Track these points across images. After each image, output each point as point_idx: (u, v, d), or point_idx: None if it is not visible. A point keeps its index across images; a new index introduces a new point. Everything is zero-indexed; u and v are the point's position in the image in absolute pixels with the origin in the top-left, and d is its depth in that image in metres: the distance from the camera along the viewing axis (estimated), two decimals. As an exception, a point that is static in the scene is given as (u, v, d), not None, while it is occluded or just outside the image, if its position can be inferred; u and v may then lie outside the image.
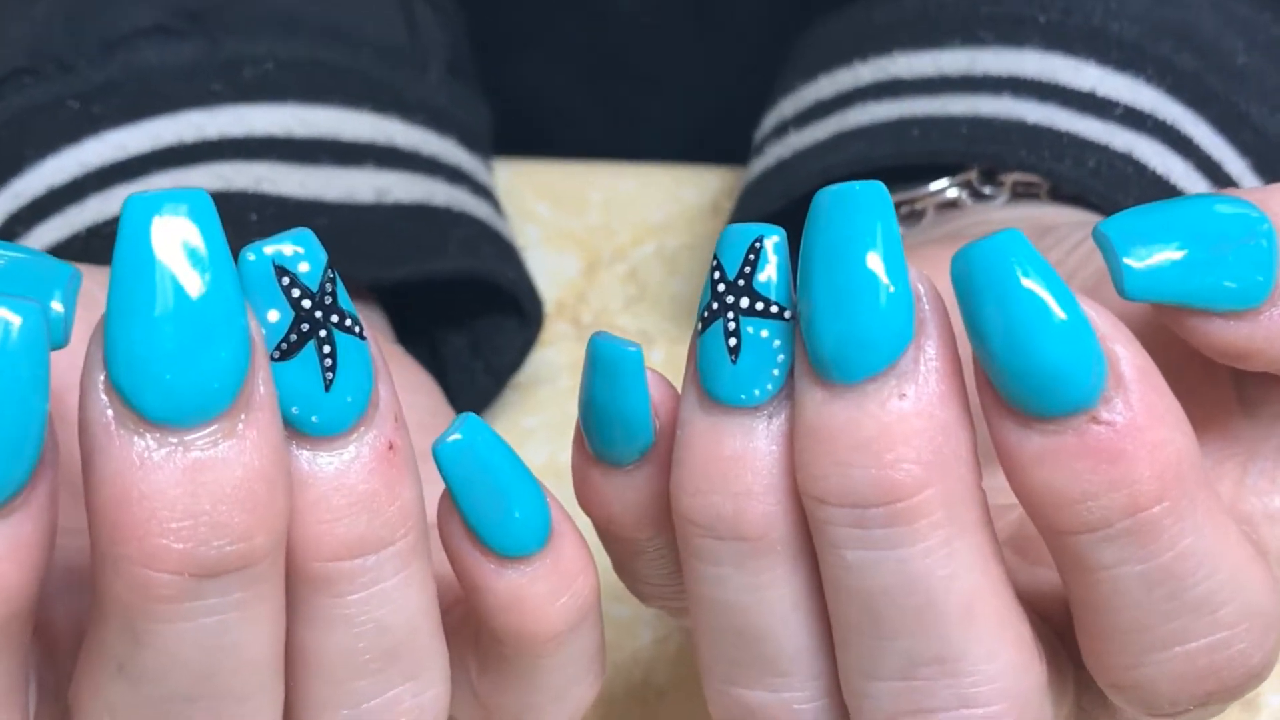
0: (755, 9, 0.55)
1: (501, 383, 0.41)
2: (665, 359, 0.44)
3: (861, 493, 0.22)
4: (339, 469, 0.22)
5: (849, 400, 0.22)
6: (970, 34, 0.41)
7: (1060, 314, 0.21)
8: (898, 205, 0.39)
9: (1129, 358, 0.22)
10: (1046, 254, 0.32)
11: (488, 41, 0.55)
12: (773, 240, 0.23)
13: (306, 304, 0.22)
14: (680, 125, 0.57)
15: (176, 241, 0.20)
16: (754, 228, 0.23)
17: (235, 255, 0.35)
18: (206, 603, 0.21)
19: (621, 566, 0.27)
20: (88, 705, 0.22)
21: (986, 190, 0.38)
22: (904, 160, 0.38)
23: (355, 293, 0.40)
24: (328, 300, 0.22)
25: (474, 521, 0.24)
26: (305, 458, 0.22)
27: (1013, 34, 0.40)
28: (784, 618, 0.24)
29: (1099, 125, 0.38)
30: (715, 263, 0.23)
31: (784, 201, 0.39)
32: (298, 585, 0.23)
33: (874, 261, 0.22)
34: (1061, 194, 0.38)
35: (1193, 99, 0.40)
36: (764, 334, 0.23)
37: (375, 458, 0.22)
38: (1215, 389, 0.27)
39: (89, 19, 0.40)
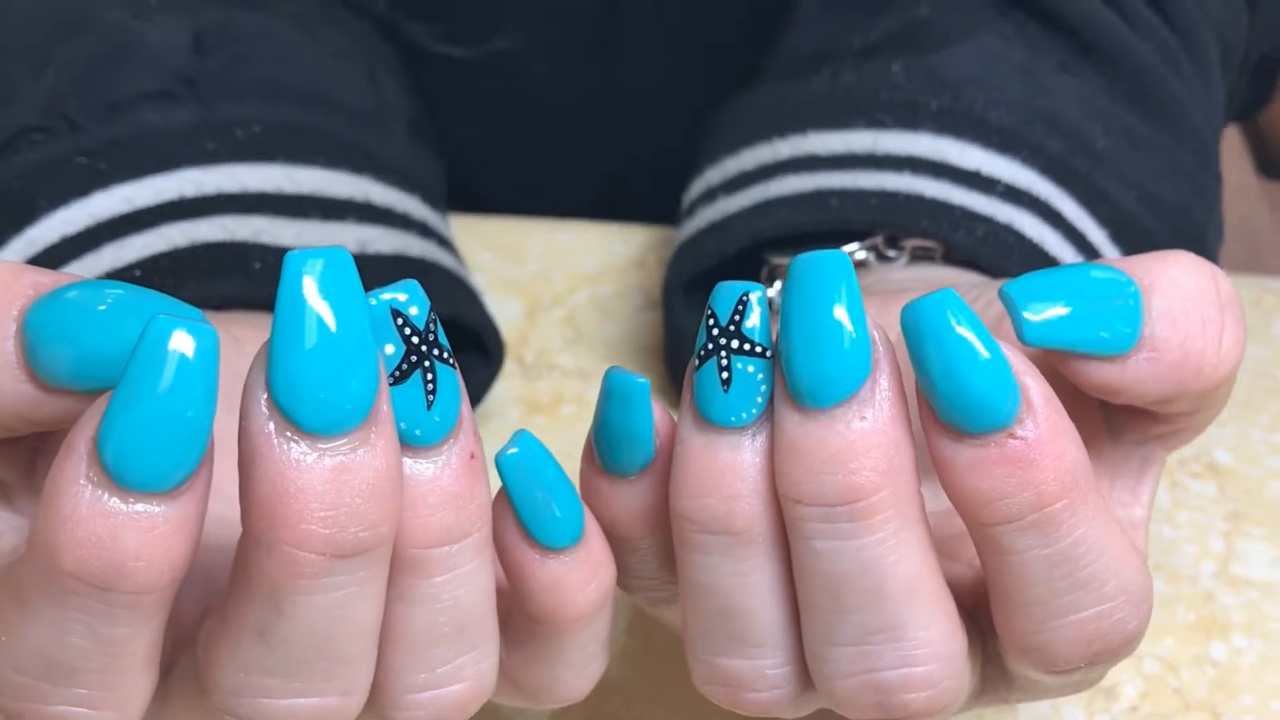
0: (659, 83, 0.61)
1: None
2: (602, 395, 0.50)
3: (831, 494, 0.28)
4: (435, 473, 0.27)
5: (820, 422, 0.28)
6: (872, 117, 0.47)
7: (985, 354, 0.27)
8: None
9: (1036, 388, 0.28)
10: None
11: (437, 111, 0.60)
12: (756, 295, 0.29)
13: (415, 340, 0.27)
14: (585, 186, 0.63)
15: (325, 288, 0.25)
16: (740, 285, 0.29)
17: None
18: (337, 579, 0.26)
19: (619, 561, 0.33)
20: (224, 663, 0.27)
21: (890, 253, 0.45)
22: (823, 226, 0.44)
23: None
24: (431, 337, 0.27)
25: (526, 519, 0.29)
26: (408, 464, 0.27)
27: (909, 118, 0.47)
28: (761, 598, 0.30)
29: (984, 200, 0.45)
30: (709, 311, 0.29)
31: (718, 259, 0.45)
32: (395, 568, 0.28)
33: (840, 313, 0.28)
34: (953, 258, 0.44)
35: (1060, 178, 0.47)
36: (750, 369, 0.29)
37: (461, 464, 0.27)
38: (1088, 418, 0.34)
39: (96, 83, 0.44)
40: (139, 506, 0.25)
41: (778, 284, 0.46)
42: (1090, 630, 0.29)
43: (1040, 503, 0.28)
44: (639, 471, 0.30)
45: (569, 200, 0.61)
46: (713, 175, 0.49)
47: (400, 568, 0.27)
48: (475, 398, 0.46)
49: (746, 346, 0.29)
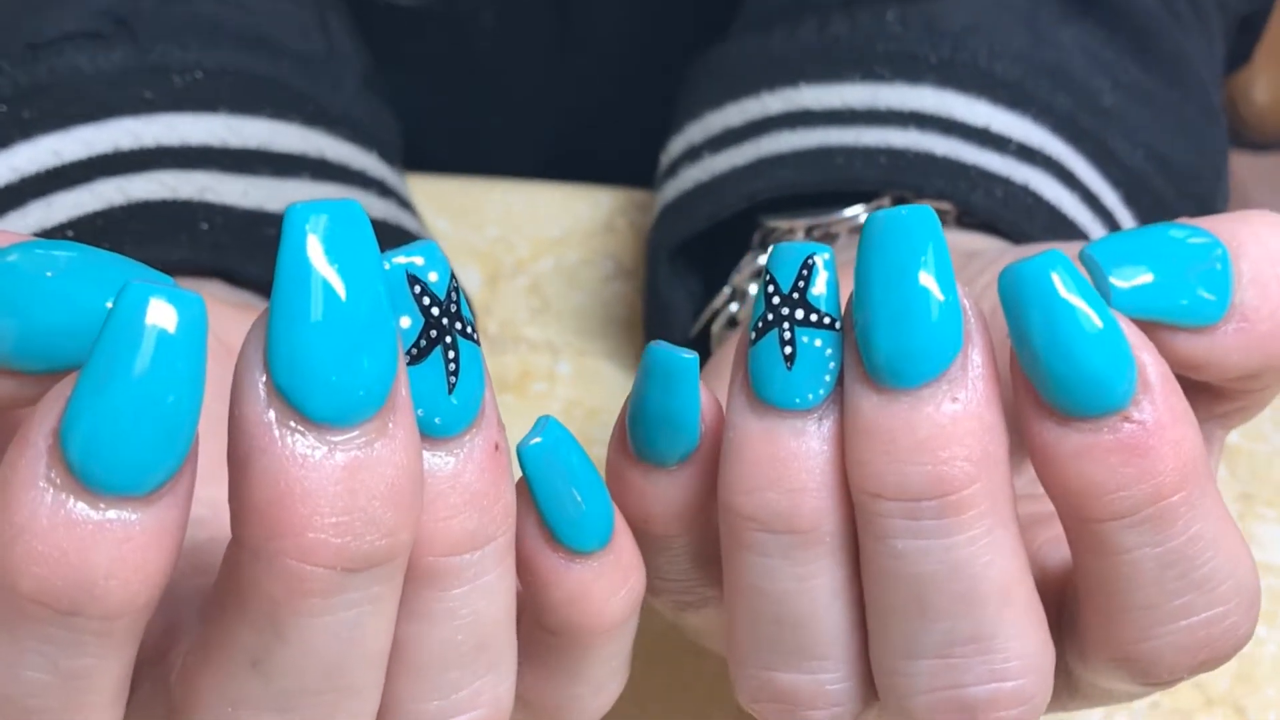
0: (615, 33, 0.57)
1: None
2: (574, 371, 0.46)
3: (917, 487, 0.24)
4: (456, 468, 0.23)
5: (905, 404, 0.24)
6: (869, 69, 0.44)
7: (1099, 324, 0.24)
8: (812, 229, 0.42)
9: (1153, 364, 0.24)
10: (977, 277, 0.35)
11: (384, 67, 0.56)
12: (823, 257, 0.25)
13: (435, 311, 0.23)
14: (535, 145, 0.58)
15: (338, 249, 0.21)
16: (805, 246, 0.25)
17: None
18: (348, 596, 0.22)
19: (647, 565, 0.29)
20: (208, 698, 0.23)
21: (897, 216, 0.41)
22: (829, 187, 0.41)
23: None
24: (453, 308, 0.23)
25: (550, 518, 0.25)
26: (426, 457, 0.23)
27: (909, 70, 0.43)
28: (825, 605, 0.26)
29: (998, 159, 0.42)
30: (769, 276, 0.25)
31: (709, 222, 0.41)
32: (409, 580, 0.24)
33: (927, 279, 0.24)
34: (966, 221, 0.41)
35: (1071, 136, 0.43)
36: (818, 343, 0.25)
37: (485, 457, 0.23)
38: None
39: (11, 23, 0.40)
40: (111, 514, 0.21)
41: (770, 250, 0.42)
42: (1201, 637, 0.26)
43: (1158, 495, 0.24)
44: (680, 461, 0.26)
45: (518, 161, 0.57)
46: (695, 132, 0.45)
47: (416, 579, 0.24)
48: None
49: (813, 317, 0.25)
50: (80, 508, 0.20)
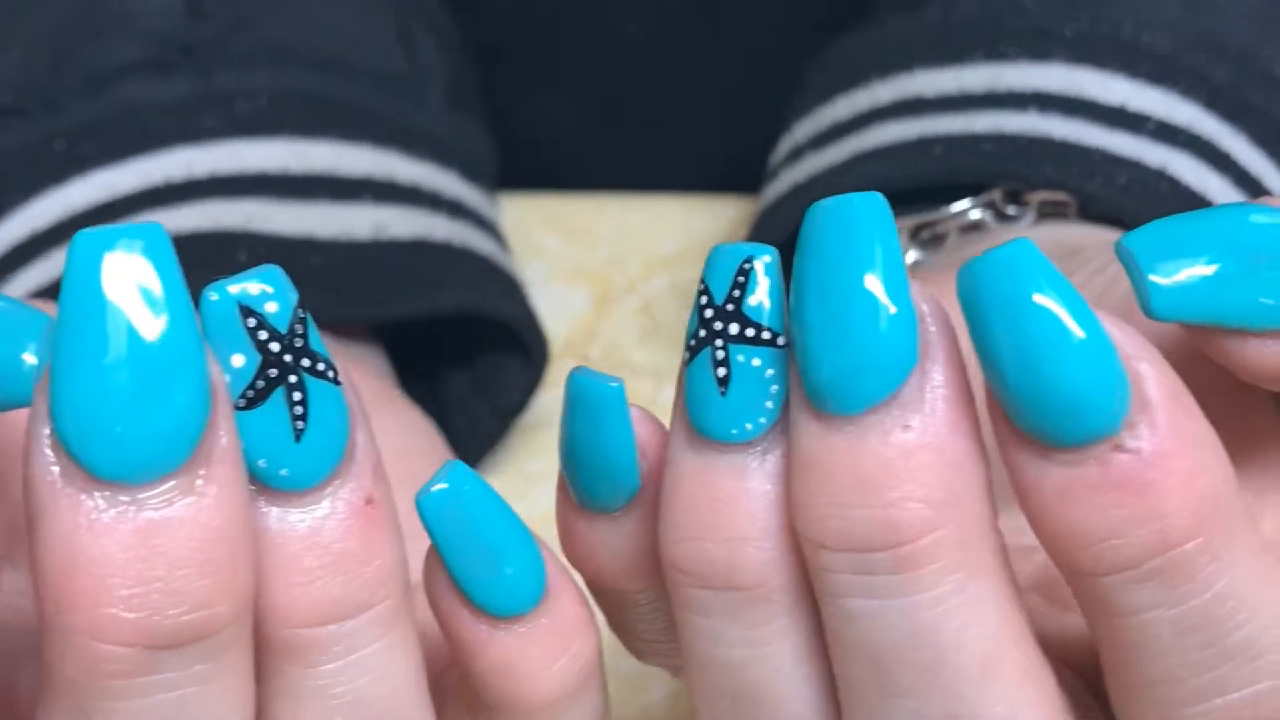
0: (767, 34, 0.53)
1: (506, 425, 0.39)
2: (679, 397, 0.42)
3: (863, 536, 0.20)
4: (311, 527, 0.20)
5: (848, 434, 0.20)
6: (993, 48, 0.39)
7: (1077, 331, 0.19)
8: (918, 228, 0.37)
9: (1155, 378, 0.19)
10: (1070, 276, 0.30)
11: (497, 73, 0.54)
12: (764, 260, 0.21)
13: (275, 347, 0.20)
14: (691, 156, 0.55)
15: (128, 281, 0.18)
16: (743, 247, 0.21)
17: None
18: (164, 677, 0.19)
19: (614, 621, 0.25)
20: None
21: (1011, 211, 0.36)
22: (922, 181, 0.36)
23: (353, 333, 0.38)
24: (298, 343, 0.20)
25: (461, 578, 0.22)
26: (275, 515, 0.20)
27: (1038, 47, 0.39)
28: (786, 675, 0.22)
29: (1130, 141, 0.36)
30: (703, 286, 0.21)
31: (795, 227, 0.37)
32: (267, 654, 0.21)
33: (872, 281, 0.20)
34: (1091, 213, 0.36)
35: (1230, 112, 0.38)
36: (755, 362, 0.21)
37: (351, 514, 0.20)
38: (1256, 416, 0.25)
39: (75, 54, 0.39)
40: None
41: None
42: (1243, 718, 0.20)
43: (1164, 543, 0.19)
44: (624, 505, 0.23)
45: (663, 178, 0.53)
46: (801, 130, 0.41)
47: (275, 654, 0.21)
48: (516, 406, 0.39)
49: (750, 332, 0.21)
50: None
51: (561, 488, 0.23)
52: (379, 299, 0.36)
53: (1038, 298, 0.19)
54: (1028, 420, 0.19)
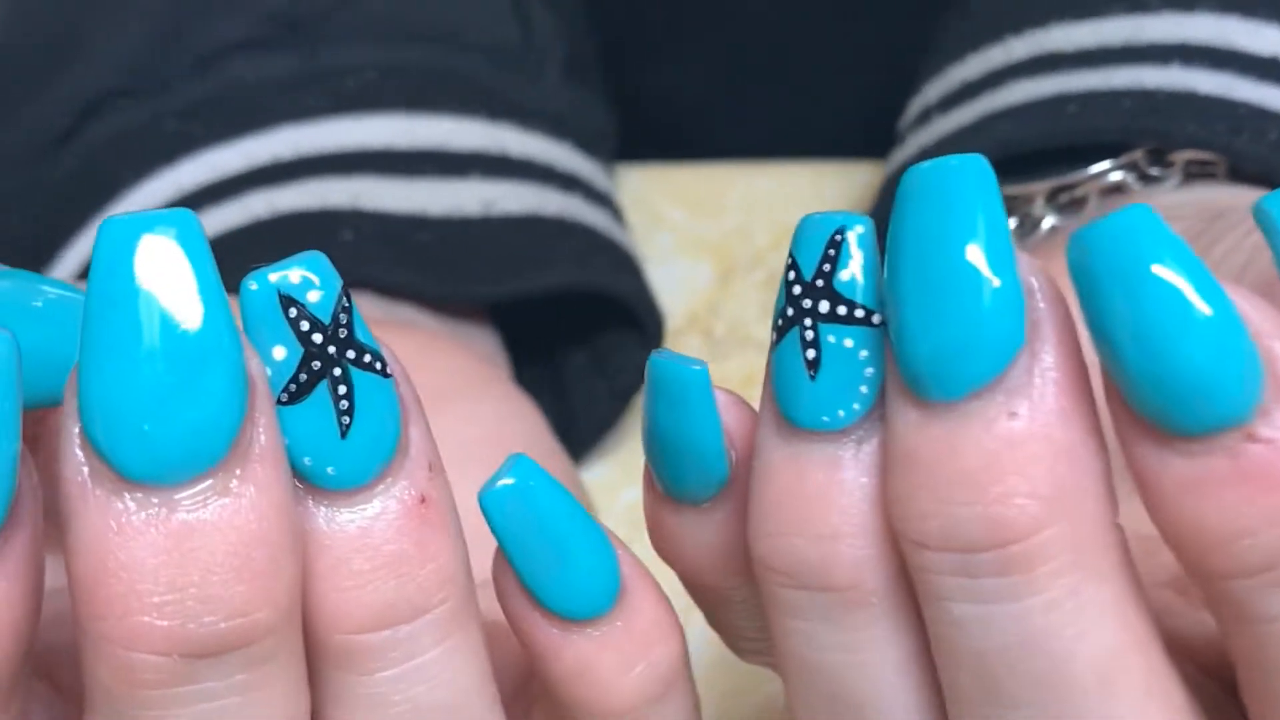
0: None
1: (623, 406, 0.38)
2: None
3: (966, 535, 0.18)
4: (361, 527, 0.19)
5: (948, 422, 0.18)
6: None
7: (1201, 306, 0.17)
8: (1055, 191, 0.35)
9: None
10: (1215, 243, 0.27)
11: (624, 45, 0.52)
12: (856, 231, 0.19)
13: (317, 338, 0.19)
14: (824, 121, 0.53)
15: (157, 270, 0.17)
16: (835, 217, 0.19)
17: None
18: (204, 686, 0.18)
19: (711, 618, 0.24)
20: None
21: (1154, 172, 0.34)
22: (1056, 141, 0.34)
23: (463, 311, 0.37)
24: (342, 334, 0.19)
25: (529, 579, 0.21)
26: (323, 515, 0.19)
27: None
28: (888, 684, 0.20)
29: (1283, 93, 0.34)
30: (790, 260, 0.20)
31: None
32: (320, 660, 0.20)
33: (974, 253, 0.18)
34: (1243, 173, 0.33)
35: None
36: (848, 343, 0.19)
37: (404, 513, 0.19)
38: None
39: (183, 34, 0.38)
40: None
41: (1011, 221, 0.36)
42: None
43: None
44: (712, 497, 0.21)
45: (796, 145, 0.51)
46: (931, 91, 0.39)
47: (327, 659, 0.20)
48: (634, 385, 0.38)
49: (841, 310, 0.19)
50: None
51: (648, 479, 0.22)
52: (486, 277, 0.35)
53: (1156, 269, 0.17)
54: (1147, 406, 0.17)
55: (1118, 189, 0.34)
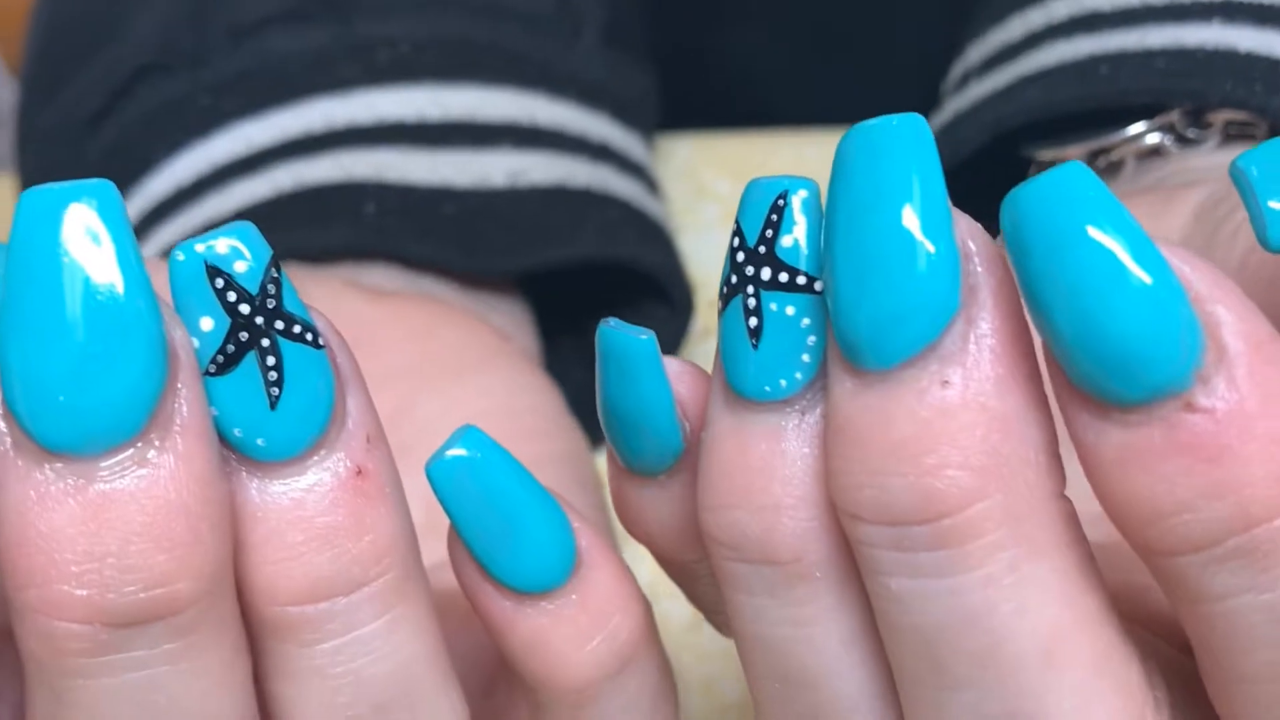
0: None
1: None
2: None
3: (900, 507, 0.17)
4: (294, 499, 0.19)
5: (882, 391, 0.18)
6: None
7: (1136, 269, 0.16)
8: (1093, 155, 0.34)
9: (1234, 323, 0.16)
10: (1229, 216, 0.26)
11: (700, 14, 0.52)
12: (800, 196, 0.19)
13: (245, 309, 0.19)
14: (886, 91, 0.52)
15: (75, 242, 0.17)
16: (779, 181, 0.19)
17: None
18: (130, 655, 0.18)
19: (685, 592, 0.23)
20: None
21: (1191, 134, 0.33)
22: (1088, 104, 0.33)
23: (489, 283, 0.37)
24: (270, 304, 0.19)
25: (480, 552, 0.21)
26: (255, 487, 0.19)
27: None
28: (835, 659, 0.19)
29: (1331, 50, 0.32)
30: (736, 226, 0.19)
31: (950, 163, 0.34)
32: (261, 633, 0.20)
33: (908, 216, 0.17)
34: (1285, 134, 0.32)
35: None
36: (789, 310, 0.19)
37: (338, 485, 0.19)
38: None
39: (218, 9, 0.39)
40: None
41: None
42: None
43: (1246, 518, 0.16)
44: (669, 468, 0.21)
45: (855, 108, 0.51)
46: (974, 54, 0.38)
47: (267, 631, 0.20)
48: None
49: (783, 276, 0.19)
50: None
51: (610, 453, 0.22)
52: (508, 249, 0.35)
53: (1090, 230, 0.16)
54: (1083, 375, 0.17)
55: (1155, 152, 0.33)
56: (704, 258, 0.42)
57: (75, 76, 0.40)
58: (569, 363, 0.38)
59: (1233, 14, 0.33)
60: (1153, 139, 0.33)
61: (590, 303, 0.39)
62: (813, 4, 0.53)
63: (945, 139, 0.35)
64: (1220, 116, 0.32)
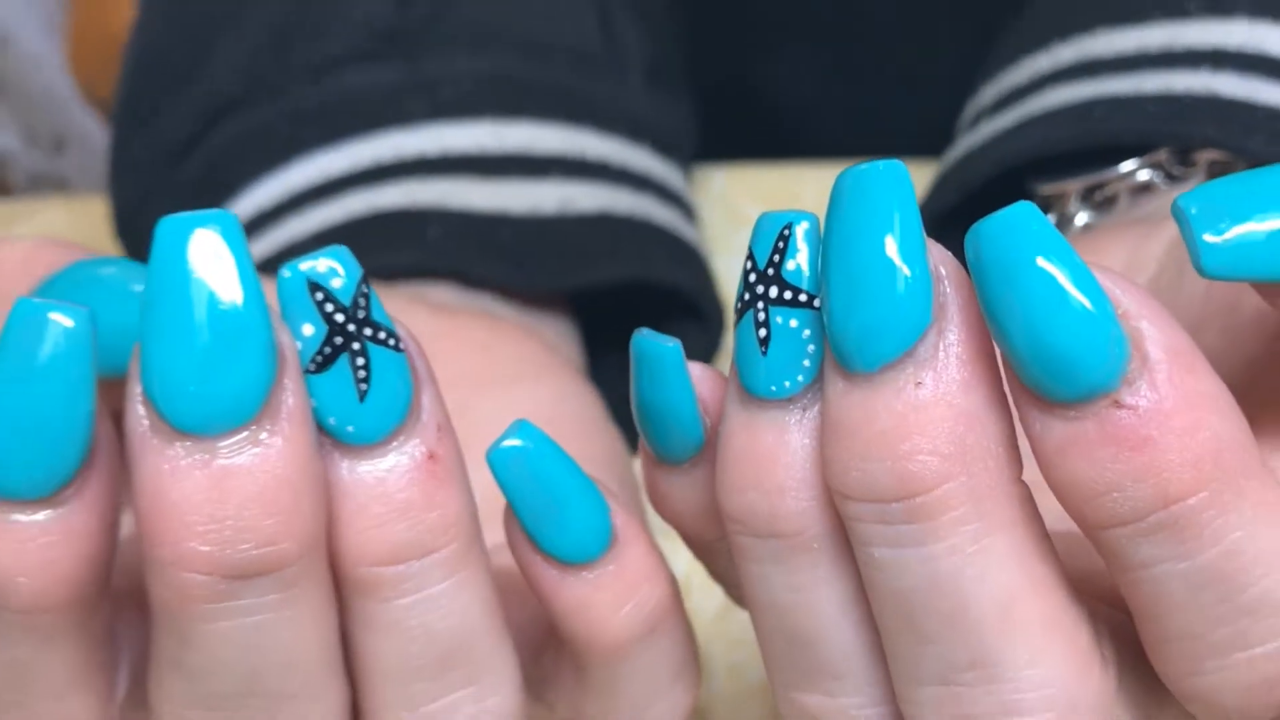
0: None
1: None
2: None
3: (883, 487, 0.21)
4: (377, 477, 0.23)
5: (866, 390, 0.21)
6: (1176, 6, 0.38)
7: (1073, 291, 0.20)
8: (1089, 190, 0.37)
9: (1156, 336, 0.20)
10: None
11: (744, 43, 0.55)
12: (802, 227, 0.22)
13: (339, 318, 0.22)
14: (918, 125, 0.55)
15: (203, 261, 0.21)
16: (785, 215, 0.23)
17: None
18: (242, 603, 0.22)
19: (708, 569, 0.27)
20: (154, 694, 0.24)
21: (1178, 171, 0.36)
22: (1083, 144, 0.36)
23: (541, 301, 0.40)
24: (360, 314, 0.22)
25: (531, 527, 0.24)
26: (345, 467, 0.23)
27: (1221, 3, 0.38)
28: (832, 620, 0.23)
29: (1309, 96, 0.35)
30: (749, 252, 0.23)
31: (960, 196, 0.38)
32: (348, 590, 0.23)
33: (890, 246, 0.21)
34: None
35: None
36: (793, 323, 0.22)
37: (414, 466, 0.23)
38: None
39: (296, 46, 0.42)
40: (15, 516, 0.21)
41: (1051, 217, 0.38)
42: (1270, 673, 0.21)
43: (1165, 497, 0.20)
44: (692, 457, 0.24)
45: (906, 147, 0.54)
46: (986, 95, 0.42)
47: (353, 589, 0.23)
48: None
49: (788, 295, 0.22)
50: None
51: (642, 445, 0.25)
52: (558, 270, 0.39)
53: (1039, 261, 0.20)
54: (1030, 377, 0.20)
55: (1146, 187, 0.36)
56: (738, 278, 0.45)
57: (164, 109, 0.43)
58: (612, 375, 0.41)
59: (1220, 63, 0.36)
60: (1143, 176, 0.36)
61: (632, 320, 0.42)
62: (842, 42, 0.56)
63: (958, 172, 0.39)
64: (1204, 156, 0.35)
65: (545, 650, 0.27)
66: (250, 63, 0.42)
